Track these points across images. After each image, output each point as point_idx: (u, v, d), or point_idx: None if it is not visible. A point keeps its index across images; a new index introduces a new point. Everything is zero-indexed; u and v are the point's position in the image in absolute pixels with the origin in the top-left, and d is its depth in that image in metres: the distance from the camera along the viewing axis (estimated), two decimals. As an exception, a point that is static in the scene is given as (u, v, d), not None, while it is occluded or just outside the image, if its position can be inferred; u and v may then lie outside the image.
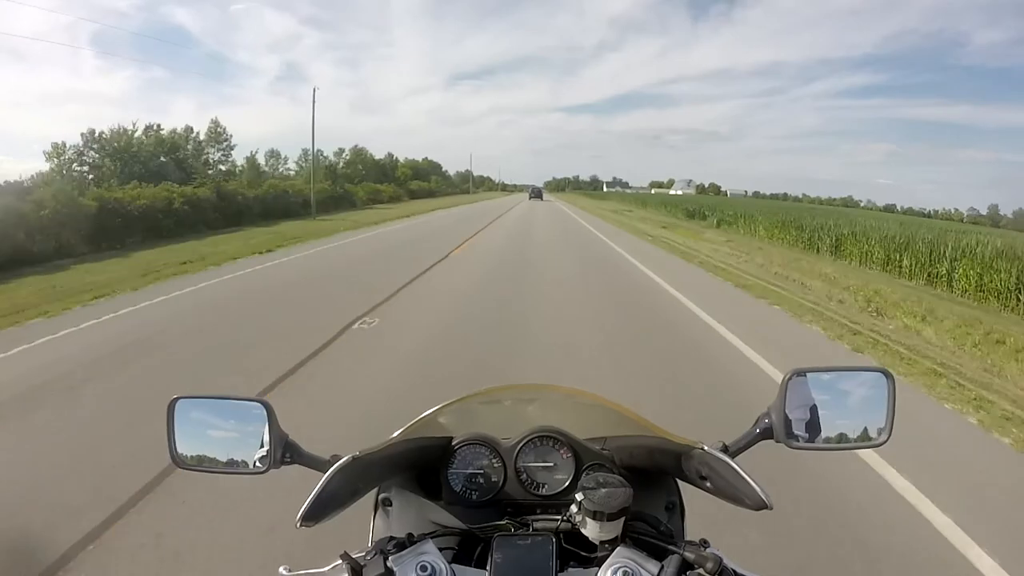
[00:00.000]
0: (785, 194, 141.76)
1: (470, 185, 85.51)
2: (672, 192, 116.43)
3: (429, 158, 78.62)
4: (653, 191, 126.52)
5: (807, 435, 0.81)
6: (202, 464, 0.83)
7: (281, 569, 0.74)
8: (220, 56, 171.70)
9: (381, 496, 0.91)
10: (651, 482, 0.91)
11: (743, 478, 0.73)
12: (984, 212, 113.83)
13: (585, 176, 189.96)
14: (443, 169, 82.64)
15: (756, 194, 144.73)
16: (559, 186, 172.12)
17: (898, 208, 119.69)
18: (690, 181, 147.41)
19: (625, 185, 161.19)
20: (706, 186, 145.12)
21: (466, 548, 0.83)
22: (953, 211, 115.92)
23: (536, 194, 55.31)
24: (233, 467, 0.82)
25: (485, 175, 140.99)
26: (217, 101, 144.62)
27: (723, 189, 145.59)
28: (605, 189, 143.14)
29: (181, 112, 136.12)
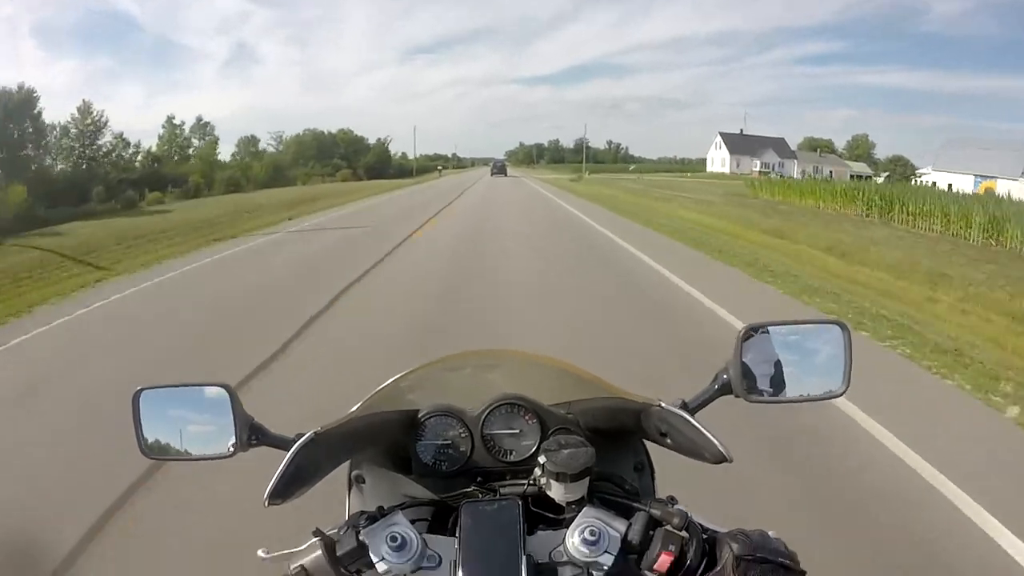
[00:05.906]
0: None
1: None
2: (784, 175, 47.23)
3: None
4: (690, 176, 59.35)
5: (765, 389, 0.83)
6: (171, 452, 0.84)
7: (260, 552, 0.75)
8: (167, 41, 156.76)
9: (354, 473, 0.92)
10: (618, 444, 0.92)
11: (702, 433, 0.74)
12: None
13: (567, 142, 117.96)
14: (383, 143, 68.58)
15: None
16: (528, 156, 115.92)
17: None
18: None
19: (633, 159, 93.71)
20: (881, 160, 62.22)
21: (439, 518, 0.84)
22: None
23: (499, 169, 51.84)
24: (201, 453, 0.83)
25: (437, 152, 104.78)
26: (167, 87, 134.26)
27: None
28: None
29: (130, 101, 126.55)
